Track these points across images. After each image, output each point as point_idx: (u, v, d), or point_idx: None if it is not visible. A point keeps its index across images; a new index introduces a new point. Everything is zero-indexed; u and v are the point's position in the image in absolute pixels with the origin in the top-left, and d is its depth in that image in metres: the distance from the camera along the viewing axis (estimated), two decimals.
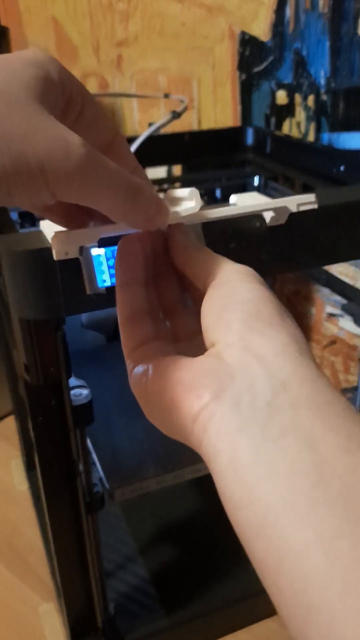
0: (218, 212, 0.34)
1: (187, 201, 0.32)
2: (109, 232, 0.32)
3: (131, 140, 0.62)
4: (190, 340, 0.30)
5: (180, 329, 0.31)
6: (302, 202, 0.38)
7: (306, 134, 0.77)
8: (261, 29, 0.79)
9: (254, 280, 0.28)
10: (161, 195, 0.32)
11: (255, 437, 0.22)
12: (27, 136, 0.24)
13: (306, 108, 0.76)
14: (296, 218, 0.38)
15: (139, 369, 0.28)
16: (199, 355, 0.27)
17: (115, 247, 0.34)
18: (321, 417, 0.22)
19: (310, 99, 0.75)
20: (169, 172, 0.92)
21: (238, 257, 0.37)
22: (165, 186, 0.77)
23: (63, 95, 0.27)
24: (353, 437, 0.21)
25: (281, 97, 0.80)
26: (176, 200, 0.32)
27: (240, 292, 0.27)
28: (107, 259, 0.34)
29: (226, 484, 0.22)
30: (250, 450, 0.22)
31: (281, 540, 0.20)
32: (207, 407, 0.24)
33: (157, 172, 0.81)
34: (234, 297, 0.27)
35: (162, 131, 0.64)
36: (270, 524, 0.20)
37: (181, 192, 0.32)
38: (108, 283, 0.34)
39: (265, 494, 0.21)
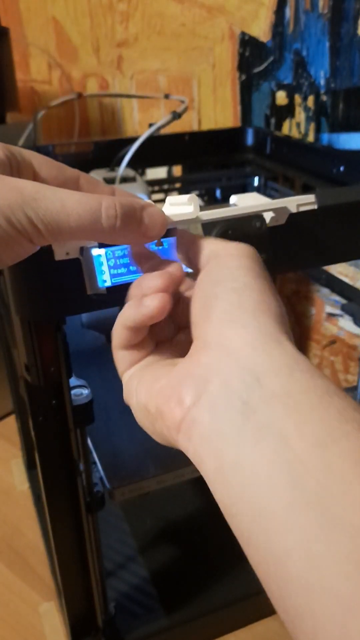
0: (218, 213, 0.34)
1: (186, 206, 0.32)
2: None
3: (131, 140, 0.63)
4: (169, 341, 0.30)
5: (158, 333, 0.31)
6: (301, 202, 0.38)
7: (306, 134, 0.78)
8: (261, 30, 0.79)
9: (244, 262, 0.27)
10: (160, 205, 0.33)
11: (234, 444, 0.22)
12: None
13: (306, 108, 0.76)
14: (296, 218, 0.38)
15: (130, 385, 0.29)
16: (182, 352, 0.27)
17: (115, 248, 0.34)
18: (296, 410, 0.21)
19: (310, 100, 0.75)
20: (169, 172, 0.92)
21: None
22: (165, 186, 0.77)
23: (11, 168, 0.29)
24: (327, 429, 0.21)
25: (281, 97, 0.80)
26: (175, 206, 0.33)
27: (225, 280, 0.26)
28: (108, 259, 0.34)
29: (215, 490, 0.23)
30: (231, 458, 0.22)
31: (266, 548, 0.20)
32: (187, 415, 0.24)
33: (158, 172, 0.82)
34: (219, 286, 0.26)
35: (163, 131, 0.64)
36: (256, 533, 0.21)
37: (181, 198, 0.32)
38: (108, 283, 0.34)
39: (249, 502, 0.21)
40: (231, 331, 0.24)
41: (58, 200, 0.25)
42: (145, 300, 0.27)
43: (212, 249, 0.28)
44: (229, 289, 0.26)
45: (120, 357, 0.30)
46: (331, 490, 0.19)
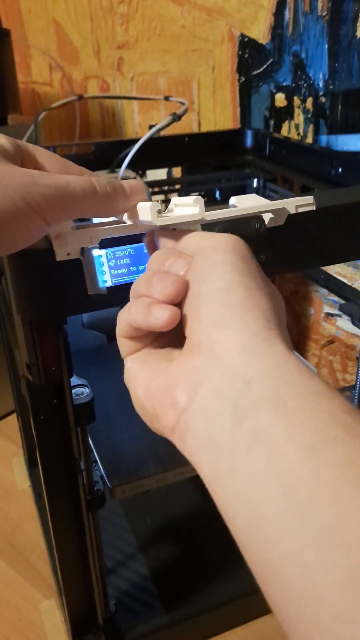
0: (218, 214, 0.34)
1: (192, 207, 0.32)
2: (110, 233, 0.33)
3: (132, 142, 0.63)
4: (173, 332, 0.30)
5: None
6: (300, 203, 0.39)
7: (304, 136, 0.78)
8: (260, 32, 0.80)
9: (229, 258, 0.26)
10: (163, 206, 0.33)
11: (228, 450, 0.22)
12: (3, 181, 0.27)
13: (305, 110, 0.77)
14: (295, 219, 0.38)
15: (129, 374, 0.29)
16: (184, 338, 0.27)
17: (116, 249, 0.34)
18: (285, 415, 0.21)
19: (309, 101, 0.76)
20: (169, 174, 0.93)
21: None
22: (165, 188, 0.77)
23: (18, 158, 0.31)
24: (317, 433, 0.20)
25: (280, 99, 0.80)
26: (181, 207, 0.33)
27: (211, 278, 0.26)
28: (108, 260, 0.34)
29: (212, 492, 0.23)
30: (225, 465, 0.22)
31: (261, 553, 0.20)
32: (180, 418, 0.24)
33: (158, 174, 0.82)
34: (204, 285, 0.26)
35: (163, 133, 0.64)
36: (251, 537, 0.21)
37: (186, 199, 0.32)
38: (109, 283, 0.35)
39: (244, 508, 0.21)
40: (219, 333, 0.24)
41: (62, 179, 0.29)
42: (155, 310, 0.26)
43: (198, 242, 0.28)
44: (215, 289, 0.25)
45: (123, 344, 0.30)
46: (321, 498, 0.19)
